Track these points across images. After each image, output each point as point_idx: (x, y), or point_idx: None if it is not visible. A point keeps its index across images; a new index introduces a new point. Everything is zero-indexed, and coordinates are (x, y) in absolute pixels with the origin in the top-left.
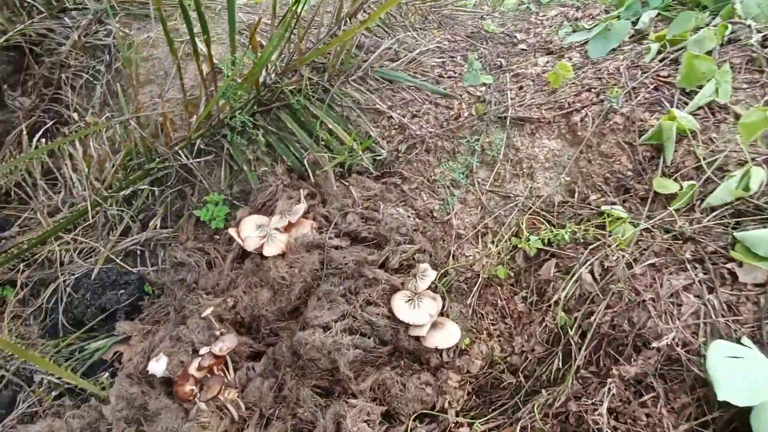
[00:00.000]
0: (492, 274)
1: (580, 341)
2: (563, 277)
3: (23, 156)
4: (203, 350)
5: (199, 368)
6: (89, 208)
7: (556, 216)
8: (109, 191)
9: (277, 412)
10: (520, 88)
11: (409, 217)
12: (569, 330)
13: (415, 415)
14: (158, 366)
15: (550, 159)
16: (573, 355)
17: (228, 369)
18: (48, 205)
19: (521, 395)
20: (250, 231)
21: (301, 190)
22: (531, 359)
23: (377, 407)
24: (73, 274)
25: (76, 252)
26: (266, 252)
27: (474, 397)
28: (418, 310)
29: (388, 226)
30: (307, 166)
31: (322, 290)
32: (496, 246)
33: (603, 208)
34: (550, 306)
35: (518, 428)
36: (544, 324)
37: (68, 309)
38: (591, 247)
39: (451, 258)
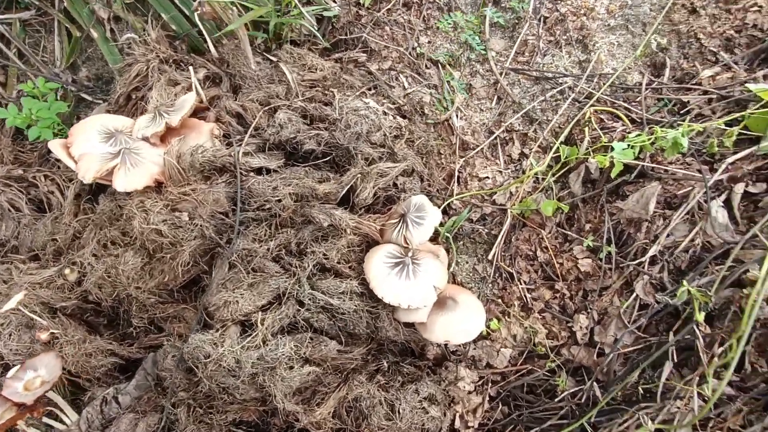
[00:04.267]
0: (527, 210)
1: (707, 330)
2: (668, 214)
3: None
4: (11, 374)
5: None
6: None
7: (634, 108)
8: None
9: None
10: None
11: (385, 113)
12: (696, 309)
13: None
14: None
15: (617, 13)
16: (698, 349)
17: (62, 408)
18: None
19: (589, 413)
20: (90, 144)
21: (191, 68)
22: (609, 354)
23: None
24: None
25: None
26: (119, 183)
27: (502, 406)
28: (412, 280)
29: (351, 129)
30: (201, 26)
31: (237, 251)
32: (533, 163)
33: (739, 88)
34: (642, 264)
35: None
36: (633, 295)
37: None
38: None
39: (455, 184)
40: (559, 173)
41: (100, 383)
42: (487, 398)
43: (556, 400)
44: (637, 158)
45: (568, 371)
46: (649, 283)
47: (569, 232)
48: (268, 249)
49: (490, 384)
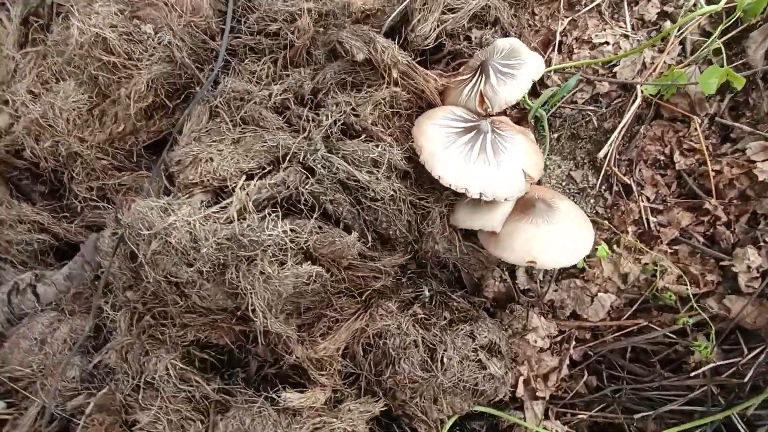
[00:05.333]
0: (670, 90)
1: None
2: None
3: None
4: None
5: None
6: None
7: None
8: None
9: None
10: None
11: None
12: None
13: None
14: None
15: None
16: None
17: None
18: None
19: (748, 402)
20: None
21: None
22: None
23: (369, 405)
24: None
25: None
26: None
27: (589, 376)
28: (490, 157)
29: None
30: None
31: (223, 92)
32: (680, 21)
33: None
34: None
35: None
36: None
37: None
38: None
39: (554, 51)
40: (731, 34)
41: (23, 267)
42: (567, 362)
43: (692, 375)
44: None
45: (716, 335)
46: None
47: (737, 125)
48: (270, 94)
49: (573, 342)
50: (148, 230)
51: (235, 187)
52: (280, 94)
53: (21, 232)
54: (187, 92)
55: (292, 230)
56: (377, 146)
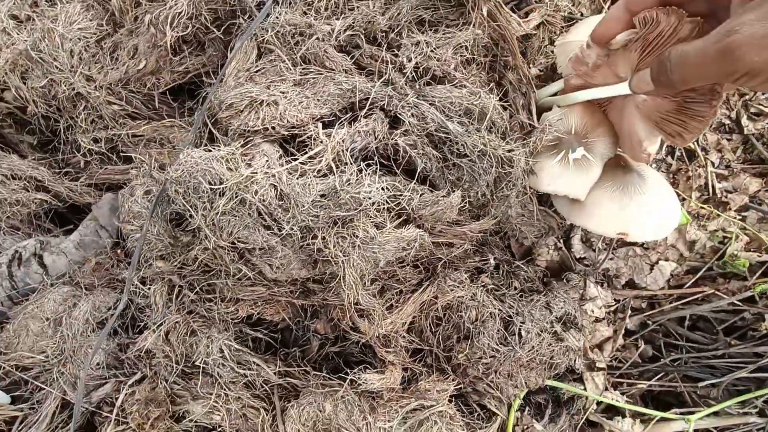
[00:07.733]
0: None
1: None
2: None
3: None
4: None
5: None
6: None
7: None
8: None
9: None
10: None
11: None
12: None
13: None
14: None
15: None
16: None
17: None
18: None
19: None
20: None
21: None
22: None
23: (443, 383)
24: None
25: None
26: None
27: (644, 345)
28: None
29: None
30: None
31: (275, 25)
32: None
33: None
34: None
35: None
36: None
37: None
38: None
39: None
40: None
41: (14, 232)
42: (623, 332)
43: (761, 338)
44: None
45: None
46: None
47: None
48: (332, 30)
49: (629, 311)
50: (211, 185)
51: (315, 135)
52: (345, 31)
53: (15, 191)
54: (229, 23)
55: (392, 186)
56: (474, 93)
